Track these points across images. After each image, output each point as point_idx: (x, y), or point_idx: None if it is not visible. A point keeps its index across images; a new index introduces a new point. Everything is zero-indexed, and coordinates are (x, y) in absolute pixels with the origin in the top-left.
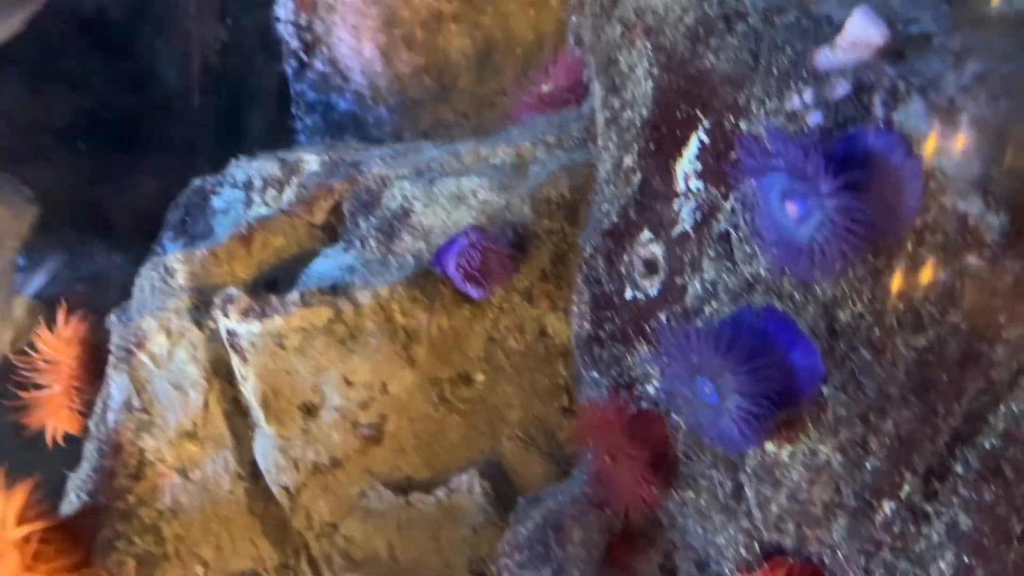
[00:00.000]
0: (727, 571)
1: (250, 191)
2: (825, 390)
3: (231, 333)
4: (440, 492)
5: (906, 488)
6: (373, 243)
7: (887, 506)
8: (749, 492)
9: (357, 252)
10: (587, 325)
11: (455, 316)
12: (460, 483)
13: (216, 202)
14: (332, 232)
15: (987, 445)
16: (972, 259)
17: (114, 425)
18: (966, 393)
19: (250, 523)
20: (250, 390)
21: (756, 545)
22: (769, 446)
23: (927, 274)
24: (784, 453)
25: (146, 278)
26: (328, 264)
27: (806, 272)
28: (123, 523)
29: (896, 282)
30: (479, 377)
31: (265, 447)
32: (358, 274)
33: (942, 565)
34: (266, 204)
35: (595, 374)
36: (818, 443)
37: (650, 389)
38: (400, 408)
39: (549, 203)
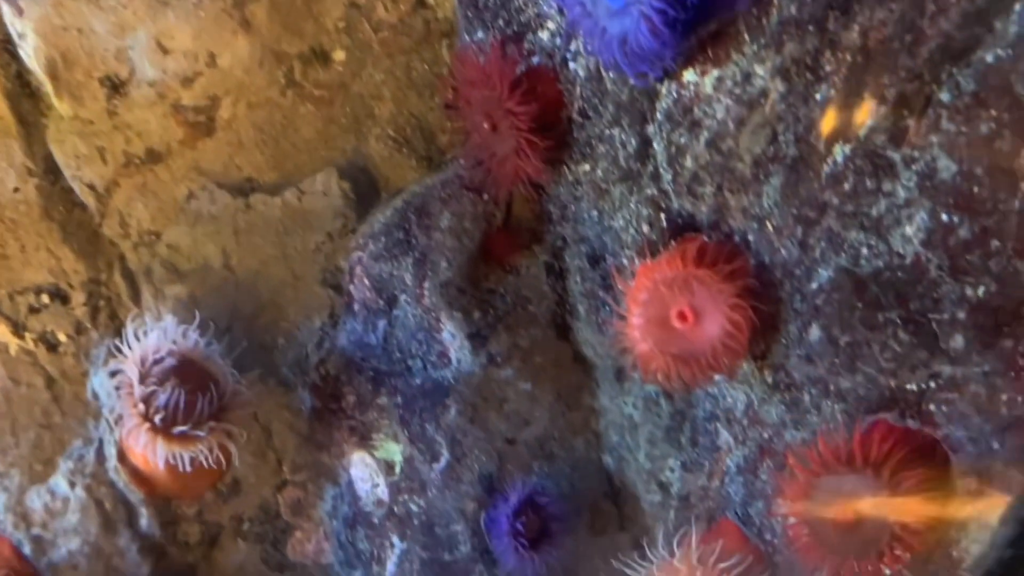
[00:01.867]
0: (625, 261)
1: None
2: None
3: None
4: (289, 194)
5: (867, 125)
6: None
7: (838, 152)
8: (658, 147)
9: None
10: None
11: None
12: (314, 184)
13: None
14: None
15: (990, 59)
16: None
17: None
18: None
19: (47, 229)
20: (31, 54)
21: (663, 218)
22: (688, 74)
23: None
24: (708, 81)
25: None
26: None
27: None
28: None
29: None
30: (338, 55)
31: (61, 133)
32: None
33: (909, 230)
34: None
35: (480, 33)
36: (754, 62)
37: (544, 36)
38: (236, 89)
39: None
